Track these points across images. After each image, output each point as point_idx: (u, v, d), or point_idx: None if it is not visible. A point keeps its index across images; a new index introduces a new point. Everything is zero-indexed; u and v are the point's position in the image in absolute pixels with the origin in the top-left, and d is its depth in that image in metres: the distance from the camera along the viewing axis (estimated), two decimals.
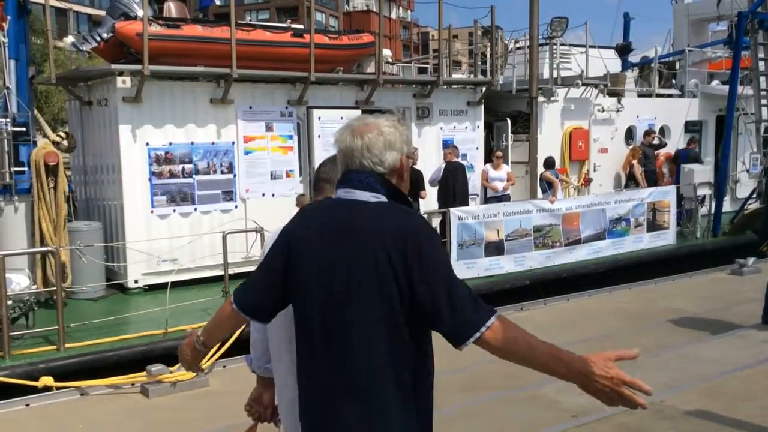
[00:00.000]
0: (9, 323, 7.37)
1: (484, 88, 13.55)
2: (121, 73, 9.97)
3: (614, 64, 16.82)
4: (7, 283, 7.43)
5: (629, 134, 15.95)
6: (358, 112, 11.98)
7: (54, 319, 7.57)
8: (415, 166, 10.73)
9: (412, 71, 17.92)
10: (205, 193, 10.67)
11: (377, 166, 2.35)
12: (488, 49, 14.96)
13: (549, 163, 13.28)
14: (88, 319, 8.25)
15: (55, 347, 7.47)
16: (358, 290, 2.23)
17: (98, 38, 10.90)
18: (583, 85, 14.86)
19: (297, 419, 2.52)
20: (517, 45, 16.12)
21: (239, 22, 11.91)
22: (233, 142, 10.91)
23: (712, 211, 14.49)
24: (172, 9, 12.06)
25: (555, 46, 14.79)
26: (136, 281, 10.13)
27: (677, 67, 18.32)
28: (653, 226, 13.23)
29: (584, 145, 15.05)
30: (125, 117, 10.03)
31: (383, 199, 2.33)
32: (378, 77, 11.87)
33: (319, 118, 11.57)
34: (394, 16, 73.47)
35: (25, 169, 9.28)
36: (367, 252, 2.22)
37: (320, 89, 11.72)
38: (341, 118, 11.76)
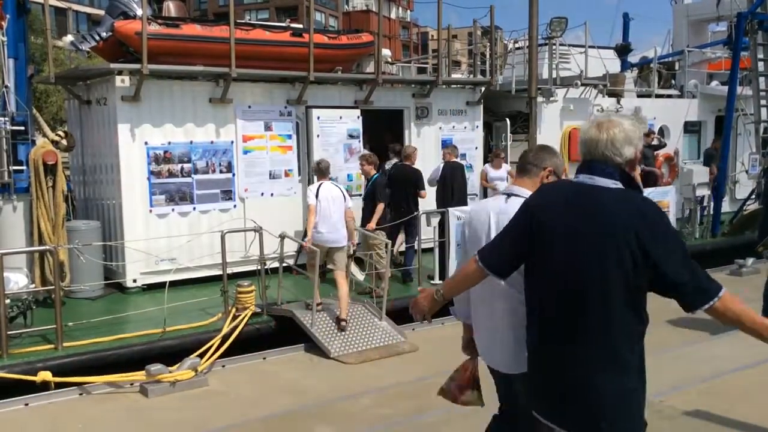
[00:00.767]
0: (7, 322, 7.35)
1: (483, 88, 13.55)
2: (120, 72, 9.95)
3: (613, 65, 16.82)
4: (5, 281, 7.41)
5: None
6: (357, 111, 11.99)
7: (52, 318, 7.56)
8: (414, 166, 10.75)
9: (411, 71, 17.92)
10: (203, 192, 10.65)
11: (616, 158, 2.88)
12: (487, 49, 14.95)
13: None
14: (86, 318, 8.24)
15: (53, 346, 7.46)
16: (600, 257, 2.75)
17: (97, 37, 10.88)
18: (582, 85, 14.86)
19: (493, 357, 3.64)
20: (517, 45, 16.12)
21: (238, 21, 11.89)
22: (232, 142, 10.89)
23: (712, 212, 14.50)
24: (171, 8, 12.04)
25: (554, 46, 14.80)
26: (134, 280, 10.12)
27: (677, 67, 18.32)
28: None
29: None
30: (124, 116, 10.02)
31: (620, 185, 2.87)
32: (377, 77, 11.87)
33: (318, 118, 11.56)
34: (393, 16, 73.46)
35: (24, 168, 9.27)
36: (610, 226, 2.75)
37: (319, 89, 11.71)
38: (340, 117, 11.77)
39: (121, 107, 9.99)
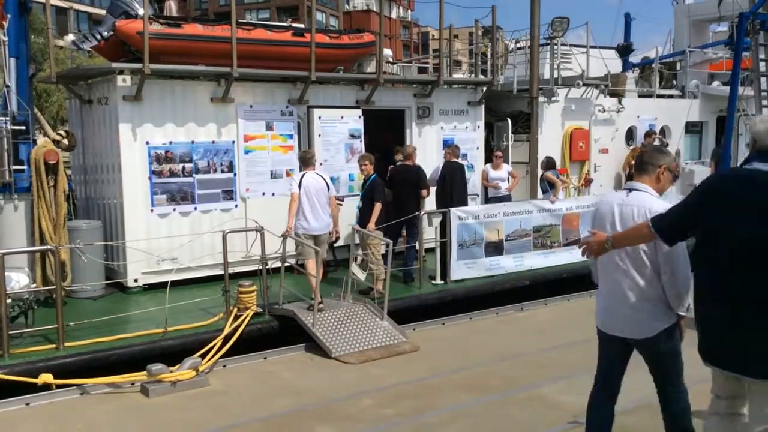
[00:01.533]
0: (8, 322, 7.35)
1: (484, 88, 13.54)
2: (121, 72, 9.95)
3: (615, 65, 16.81)
4: (6, 281, 7.41)
5: (630, 135, 15.94)
6: (358, 111, 11.98)
7: (53, 318, 7.56)
8: (415, 165, 10.74)
9: (412, 71, 17.92)
10: (205, 192, 10.65)
11: None
12: (489, 49, 14.94)
13: (549, 164, 13.27)
14: (87, 318, 8.24)
15: (54, 346, 7.46)
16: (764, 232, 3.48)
17: (99, 37, 10.89)
18: (583, 85, 14.84)
19: (613, 325, 4.44)
20: (518, 45, 16.10)
21: (240, 21, 11.89)
22: (233, 141, 10.89)
23: None
24: (172, 8, 12.05)
25: (556, 46, 14.78)
26: (135, 280, 10.11)
27: (678, 67, 18.29)
28: None
29: (585, 146, 15.04)
30: (125, 116, 10.02)
31: None
32: (378, 77, 11.86)
33: (320, 118, 11.56)
34: (394, 15, 73.44)
35: (25, 167, 9.27)
36: None
37: (321, 88, 11.71)
38: (341, 117, 11.77)
39: (122, 107, 9.98)
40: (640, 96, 16.59)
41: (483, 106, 13.67)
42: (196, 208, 10.60)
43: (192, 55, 10.57)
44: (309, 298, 8.76)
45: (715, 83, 17.82)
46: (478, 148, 13.65)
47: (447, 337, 8.78)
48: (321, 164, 11.52)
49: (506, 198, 12.58)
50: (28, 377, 6.75)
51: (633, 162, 14.58)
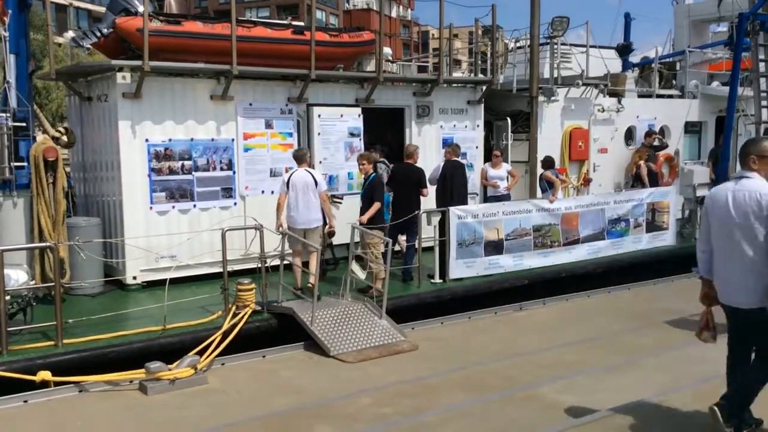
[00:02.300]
0: (7, 318, 7.35)
1: (484, 87, 13.54)
2: (121, 69, 9.94)
3: (615, 65, 16.80)
4: (5, 278, 7.40)
5: (629, 134, 15.94)
6: (357, 110, 11.98)
7: (52, 315, 7.55)
8: (417, 165, 10.73)
9: (412, 70, 17.89)
10: (204, 189, 10.65)
11: None
12: (489, 48, 14.93)
13: (548, 163, 13.27)
14: (86, 315, 8.24)
15: (53, 343, 7.45)
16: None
17: (98, 34, 10.86)
18: (583, 84, 14.84)
19: (722, 287, 5.07)
20: (518, 44, 16.09)
21: (240, 18, 11.87)
22: (233, 139, 10.89)
23: None
24: (172, 5, 12.04)
25: (556, 46, 14.78)
26: (134, 277, 10.11)
27: (677, 67, 18.29)
28: (653, 226, 13.23)
29: (584, 145, 15.04)
30: (125, 113, 10.01)
31: None
32: (378, 75, 11.86)
33: (319, 116, 11.55)
34: (394, 14, 73.38)
35: (25, 164, 9.25)
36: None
37: (320, 87, 11.70)
38: (341, 115, 11.77)
39: (122, 104, 9.97)
40: (640, 96, 16.59)
41: (482, 105, 13.67)
42: (195, 206, 10.59)
43: (192, 52, 10.56)
44: (297, 290, 9.14)
45: (715, 83, 17.82)
46: (477, 147, 13.65)
47: (446, 336, 8.78)
48: (320, 162, 11.54)
49: (505, 197, 12.58)
50: (26, 374, 6.75)
51: (641, 162, 14.60)
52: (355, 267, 9.57)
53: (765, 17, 14.87)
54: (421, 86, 12.94)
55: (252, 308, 8.43)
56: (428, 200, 11.13)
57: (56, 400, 6.62)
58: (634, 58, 18.77)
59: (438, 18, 13.19)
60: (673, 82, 18.14)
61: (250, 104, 11.04)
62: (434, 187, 11.10)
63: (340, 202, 11.48)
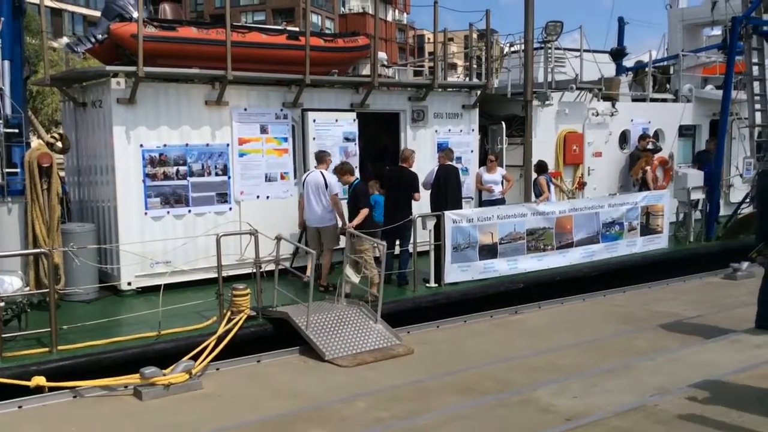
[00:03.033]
0: (1, 325, 7.33)
1: (479, 92, 13.57)
2: (115, 75, 9.94)
3: (609, 69, 16.86)
4: (0, 284, 7.40)
5: (623, 138, 15.99)
6: (353, 114, 12.00)
7: (47, 321, 7.54)
8: (411, 169, 10.76)
9: (407, 74, 17.93)
10: (199, 195, 10.65)
11: None
12: (483, 53, 14.97)
13: (541, 168, 13.30)
14: (80, 321, 8.22)
15: (47, 349, 7.44)
16: None
17: (93, 39, 10.86)
18: (577, 89, 14.89)
19: None
20: (512, 48, 16.14)
21: (234, 24, 11.89)
22: (228, 144, 10.89)
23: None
24: (167, 11, 12.03)
25: (550, 50, 14.82)
26: (129, 283, 10.09)
27: (671, 71, 18.37)
28: (647, 229, 13.27)
29: (578, 149, 15.08)
30: (119, 118, 10.01)
31: None
32: (373, 80, 11.88)
33: (314, 121, 11.56)
34: (390, 18, 73.52)
35: (19, 170, 9.24)
36: None
37: (315, 92, 11.71)
38: (336, 120, 11.79)
39: (116, 109, 9.98)
40: (634, 100, 16.66)
41: (477, 109, 13.70)
42: (190, 211, 10.59)
43: (186, 58, 10.56)
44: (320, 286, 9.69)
45: (709, 87, 17.90)
46: (472, 151, 13.67)
47: (441, 339, 8.79)
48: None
49: (500, 201, 12.61)
50: (20, 380, 6.74)
51: (647, 167, 14.65)
52: (349, 271, 9.57)
53: (758, 21, 14.96)
54: (416, 91, 12.97)
55: (247, 313, 8.43)
56: (423, 204, 11.16)
57: (51, 405, 6.61)
58: (628, 62, 18.83)
59: (433, 22, 13.22)
60: (667, 85, 18.21)
61: (245, 109, 11.05)
62: (428, 192, 11.13)
63: None
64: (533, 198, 12.98)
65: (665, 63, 18.72)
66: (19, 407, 6.51)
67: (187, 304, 8.80)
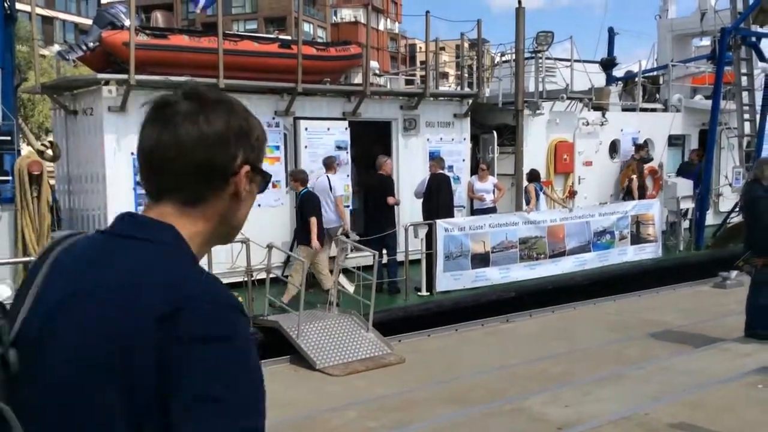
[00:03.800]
0: None
1: (470, 101, 13.62)
2: (107, 83, 9.93)
3: (599, 78, 16.96)
4: None
5: (613, 148, 16.07)
6: (344, 123, 12.02)
7: None
8: (386, 175, 10.81)
9: (399, 83, 17.98)
10: None
11: None
12: (475, 62, 15.03)
13: (533, 176, 13.35)
14: None
15: None
16: None
17: (84, 47, 10.86)
18: (568, 98, 14.96)
19: None
20: (504, 58, 16.21)
21: (226, 32, 11.91)
22: None
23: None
24: (159, 19, 12.05)
25: (540, 60, 14.90)
26: None
27: (661, 81, 18.49)
28: (637, 238, 13.33)
29: (569, 158, 15.14)
30: (110, 126, 9.99)
31: None
32: (365, 89, 11.91)
33: (306, 129, 11.57)
34: (381, 27, 73.71)
35: (9, 178, 9.20)
36: None
37: (307, 100, 11.73)
38: (328, 129, 11.80)
39: (107, 117, 9.96)
40: (624, 109, 16.75)
41: (469, 118, 13.75)
42: None
43: (178, 66, 10.55)
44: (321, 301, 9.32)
45: (698, 97, 18.03)
46: (464, 160, 13.71)
47: (432, 348, 8.78)
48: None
49: (491, 210, 12.64)
50: None
51: (633, 176, 14.72)
52: (342, 280, 9.57)
53: (747, 32, 15.11)
54: (408, 99, 13.00)
55: None
56: (415, 213, 11.18)
57: None
58: (618, 72, 18.95)
59: (425, 31, 13.28)
60: (657, 95, 18.32)
61: None
62: (420, 200, 11.15)
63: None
64: (524, 206, 13.02)
65: (655, 73, 18.85)
66: None
67: None
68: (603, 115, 15.71)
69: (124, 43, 9.98)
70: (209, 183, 1.33)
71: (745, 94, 15.27)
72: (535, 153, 14.41)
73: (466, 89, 14.46)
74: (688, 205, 14.39)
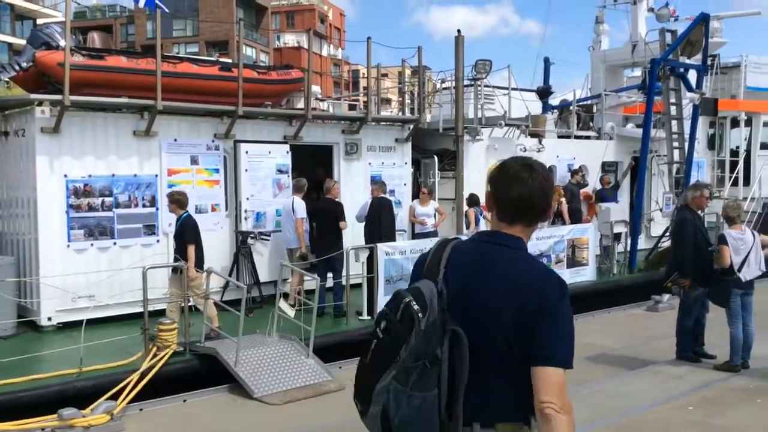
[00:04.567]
0: None
1: (411, 126, 13.77)
2: (40, 103, 9.66)
3: (535, 106, 17.40)
4: None
5: (550, 173, 16.42)
6: (286, 146, 11.97)
7: None
8: (335, 200, 10.81)
9: (342, 108, 18.06)
10: (125, 227, 10.36)
11: None
12: (416, 88, 15.23)
13: (473, 201, 13.53)
14: None
15: None
16: None
17: (18, 67, 10.55)
18: (506, 125, 15.28)
19: None
20: (444, 85, 16.47)
21: (165, 54, 11.76)
22: (156, 175, 10.67)
23: (628, 249, 15.08)
24: (96, 39, 11.82)
25: (479, 87, 15.20)
26: (49, 318, 9.69)
27: (594, 110, 19.09)
28: (573, 262, 13.63)
29: None
30: (43, 148, 9.70)
31: None
32: (307, 112, 11.90)
33: (247, 152, 11.48)
34: (325, 53, 74.02)
35: None
36: None
37: (248, 123, 11.64)
38: (269, 152, 11.73)
39: (40, 139, 9.67)
40: (559, 137, 17.21)
41: (410, 143, 13.89)
42: (115, 243, 10.28)
43: (115, 87, 10.36)
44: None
45: (629, 125, 18.66)
46: (405, 184, 13.81)
47: None
48: (247, 199, 11.43)
49: (433, 234, 12.72)
50: None
51: (561, 199, 15.05)
52: (283, 305, 9.45)
53: (675, 63, 15.78)
54: (350, 124, 13.06)
55: (174, 349, 8.19)
56: (357, 236, 11.17)
57: None
58: (554, 101, 19.49)
59: (366, 57, 13.41)
60: (591, 123, 18.89)
61: (175, 140, 10.88)
62: (362, 224, 11.16)
63: (268, 239, 11.40)
64: (465, 230, 13.16)
65: (588, 102, 19.45)
66: None
67: (110, 340, 8.48)
68: (540, 142, 16.10)
69: (59, 63, 9.73)
70: (542, 216, 2.65)
71: (674, 122, 15.90)
72: (475, 178, 14.62)
73: (408, 114, 14.63)
74: (622, 229, 14.80)
